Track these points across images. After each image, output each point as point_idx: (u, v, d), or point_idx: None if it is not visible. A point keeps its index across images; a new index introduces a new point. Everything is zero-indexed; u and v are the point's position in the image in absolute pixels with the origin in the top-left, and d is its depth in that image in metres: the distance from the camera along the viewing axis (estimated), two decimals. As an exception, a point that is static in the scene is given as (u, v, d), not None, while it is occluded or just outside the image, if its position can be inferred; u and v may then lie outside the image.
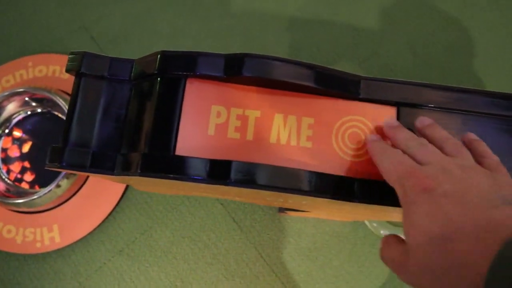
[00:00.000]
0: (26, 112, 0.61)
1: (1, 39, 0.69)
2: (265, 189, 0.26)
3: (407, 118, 0.29)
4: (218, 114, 0.29)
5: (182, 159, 0.27)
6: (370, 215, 0.40)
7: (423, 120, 0.29)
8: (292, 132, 0.29)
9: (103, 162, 0.30)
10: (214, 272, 0.60)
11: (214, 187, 0.29)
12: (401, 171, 0.26)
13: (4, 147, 0.61)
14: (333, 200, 0.27)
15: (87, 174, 0.30)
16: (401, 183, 0.26)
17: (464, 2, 0.70)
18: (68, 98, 0.61)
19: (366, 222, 0.61)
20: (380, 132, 0.29)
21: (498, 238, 0.22)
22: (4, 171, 0.61)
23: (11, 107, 0.59)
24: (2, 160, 0.61)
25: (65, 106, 0.59)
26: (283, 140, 0.29)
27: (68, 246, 0.61)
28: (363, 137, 0.29)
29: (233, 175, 0.26)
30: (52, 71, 0.64)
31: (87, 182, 0.62)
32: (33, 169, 0.62)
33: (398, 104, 0.30)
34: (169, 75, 0.29)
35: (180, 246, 0.61)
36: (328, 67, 0.29)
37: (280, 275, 0.60)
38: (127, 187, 0.62)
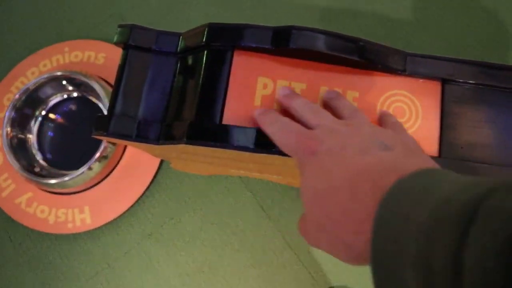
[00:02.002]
0: (63, 96, 0.63)
1: (39, 25, 0.71)
2: None
3: (451, 93, 0.29)
4: (265, 86, 0.29)
5: (229, 128, 0.27)
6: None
7: (329, 93, 0.29)
8: None
9: (148, 132, 0.30)
10: (242, 259, 0.61)
11: (255, 158, 0.29)
12: (292, 139, 0.26)
13: (40, 129, 0.63)
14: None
15: (131, 144, 0.31)
16: (295, 152, 0.27)
17: (500, -5, 0.69)
18: (103, 83, 0.62)
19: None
20: (426, 106, 0.29)
21: (371, 182, 0.22)
22: (39, 152, 0.63)
23: (48, 90, 0.61)
24: (37, 142, 0.63)
25: (100, 91, 0.60)
26: (328, 113, 0.29)
27: (98, 228, 0.62)
28: (408, 111, 0.29)
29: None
30: (87, 56, 0.66)
31: (118, 166, 0.63)
32: (66, 152, 0.64)
33: (443, 81, 0.29)
34: (217, 47, 0.29)
35: (208, 232, 0.62)
36: (375, 41, 0.29)
37: (307, 264, 0.60)
38: (157, 171, 0.63)
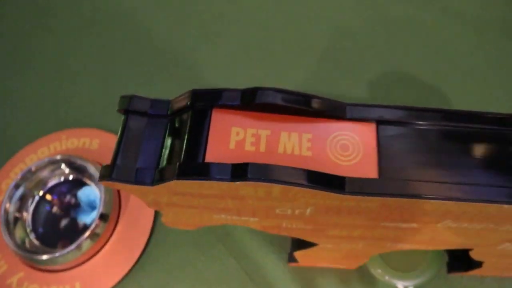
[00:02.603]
0: (60, 178, 0.69)
1: (39, 117, 0.80)
2: (274, 183, 0.33)
3: (384, 131, 0.38)
4: (237, 133, 0.37)
5: (210, 165, 0.34)
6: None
7: None
8: (295, 145, 0.37)
9: (145, 177, 0.37)
10: (229, 324, 0.62)
11: (232, 191, 0.36)
12: None
13: (35, 209, 0.68)
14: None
15: (130, 187, 0.37)
16: None
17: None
18: (98, 166, 0.69)
19: (371, 270, 0.65)
20: (365, 142, 0.37)
21: None
22: (33, 232, 0.67)
23: (47, 173, 0.67)
24: (32, 220, 0.67)
25: (95, 173, 0.67)
26: (289, 151, 0.36)
27: (89, 303, 0.64)
28: (351, 147, 0.37)
29: (249, 174, 0.33)
30: (82, 143, 0.74)
31: (109, 241, 0.67)
32: (58, 232, 0.68)
33: (377, 122, 0.38)
34: (199, 107, 0.38)
35: (195, 298, 0.64)
36: (321, 96, 0.38)
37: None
38: (147, 243, 0.67)
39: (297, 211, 0.40)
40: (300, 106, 0.37)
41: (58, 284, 0.64)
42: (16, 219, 0.65)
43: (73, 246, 0.63)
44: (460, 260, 0.64)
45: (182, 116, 0.39)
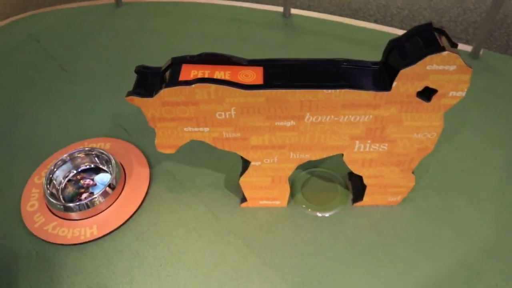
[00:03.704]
0: (86, 166, 1.03)
1: (60, 130, 1.15)
2: (210, 83, 0.70)
3: (267, 69, 0.75)
4: (194, 73, 0.74)
5: (180, 80, 0.71)
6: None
7: None
8: (222, 76, 0.74)
9: (149, 94, 0.73)
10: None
11: (195, 101, 0.73)
12: None
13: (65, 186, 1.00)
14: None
15: (141, 101, 0.73)
16: None
17: None
18: (112, 157, 1.03)
19: (298, 206, 0.96)
20: (257, 73, 0.74)
21: None
22: (61, 198, 0.98)
23: (79, 161, 1.02)
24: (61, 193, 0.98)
25: (113, 161, 1.01)
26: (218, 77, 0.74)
27: (101, 237, 0.91)
28: (250, 75, 0.74)
29: (197, 81, 0.71)
30: (99, 145, 1.08)
31: (116, 201, 0.97)
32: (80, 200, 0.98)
33: (263, 65, 0.76)
34: (175, 64, 0.76)
35: (181, 234, 0.92)
36: (234, 55, 0.76)
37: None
38: (144, 198, 0.97)
39: (227, 114, 0.75)
40: (224, 60, 0.75)
41: (80, 227, 0.93)
42: (52, 194, 0.97)
43: (88, 200, 0.93)
44: (359, 195, 0.96)
45: (167, 71, 0.77)
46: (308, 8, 1.71)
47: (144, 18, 1.65)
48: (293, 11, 1.64)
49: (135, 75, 1.32)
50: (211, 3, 1.73)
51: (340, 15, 1.65)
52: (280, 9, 1.66)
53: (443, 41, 0.68)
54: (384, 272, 0.84)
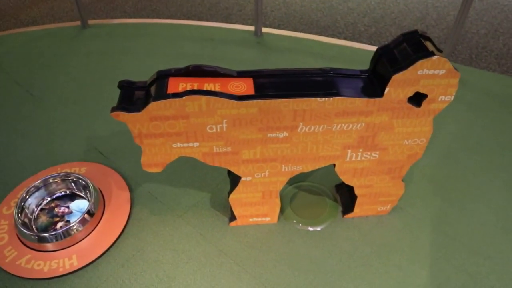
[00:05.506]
0: (61, 192, 0.96)
1: (29, 156, 1.07)
2: (201, 94, 0.68)
3: (256, 80, 0.74)
4: (182, 85, 0.72)
5: (168, 93, 0.68)
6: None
7: None
8: (211, 88, 0.71)
9: (135, 109, 0.69)
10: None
11: (185, 114, 0.69)
12: None
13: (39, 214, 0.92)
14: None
15: (127, 117, 0.69)
16: None
17: None
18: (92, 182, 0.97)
19: (288, 222, 0.93)
20: (247, 84, 0.73)
21: None
22: (34, 228, 0.90)
23: (54, 187, 0.94)
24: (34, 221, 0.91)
25: (90, 185, 0.95)
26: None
27: (82, 267, 0.85)
28: (241, 86, 0.72)
29: (187, 93, 0.68)
30: (73, 170, 1.02)
31: (95, 229, 0.91)
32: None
33: (253, 77, 0.75)
34: (161, 77, 0.73)
35: (169, 258, 0.87)
36: (224, 67, 0.75)
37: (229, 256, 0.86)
38: (127, 223, 0.92)
39: (218, 127, 0.73)
40: (212, 72, 0.73)
41: (58, 259, 0.86)
42: (24, 223, 0.89)
43: (64, 228, 0.87)
44: (348, 206, 0.95)
45: (153, 84, 0.73)
46: (278, 27, 1.73)
47: (113, 39, 1.61)
48: (265, 30, 1.65)
49: (108, 97, 1.28)
50: (181, 24, 1.72)
51: (310, 33, 1.68)
52: (251, 28, 1.67)
53: (429, 47, 0.69)
54: (382, 282, 0.83)
